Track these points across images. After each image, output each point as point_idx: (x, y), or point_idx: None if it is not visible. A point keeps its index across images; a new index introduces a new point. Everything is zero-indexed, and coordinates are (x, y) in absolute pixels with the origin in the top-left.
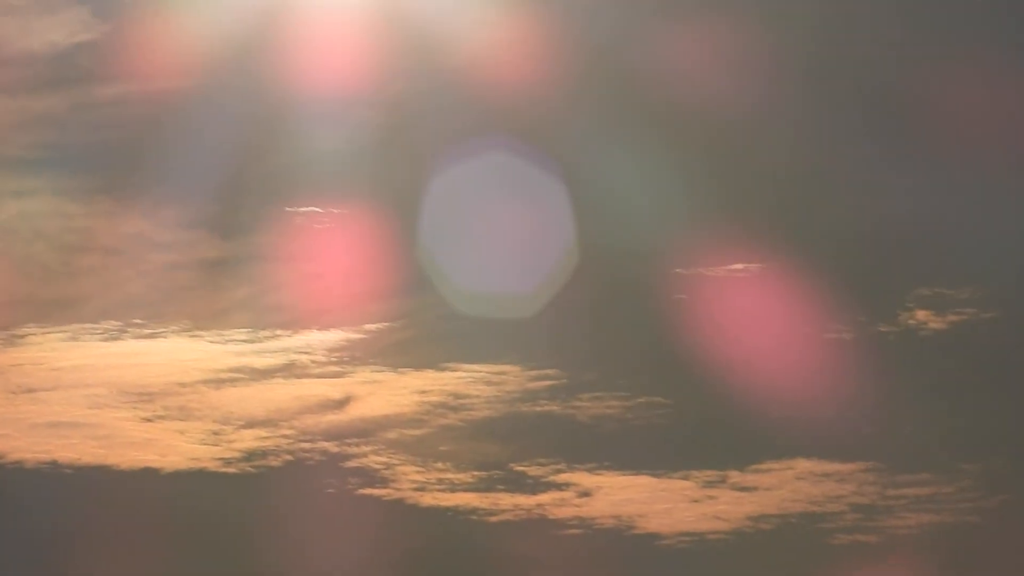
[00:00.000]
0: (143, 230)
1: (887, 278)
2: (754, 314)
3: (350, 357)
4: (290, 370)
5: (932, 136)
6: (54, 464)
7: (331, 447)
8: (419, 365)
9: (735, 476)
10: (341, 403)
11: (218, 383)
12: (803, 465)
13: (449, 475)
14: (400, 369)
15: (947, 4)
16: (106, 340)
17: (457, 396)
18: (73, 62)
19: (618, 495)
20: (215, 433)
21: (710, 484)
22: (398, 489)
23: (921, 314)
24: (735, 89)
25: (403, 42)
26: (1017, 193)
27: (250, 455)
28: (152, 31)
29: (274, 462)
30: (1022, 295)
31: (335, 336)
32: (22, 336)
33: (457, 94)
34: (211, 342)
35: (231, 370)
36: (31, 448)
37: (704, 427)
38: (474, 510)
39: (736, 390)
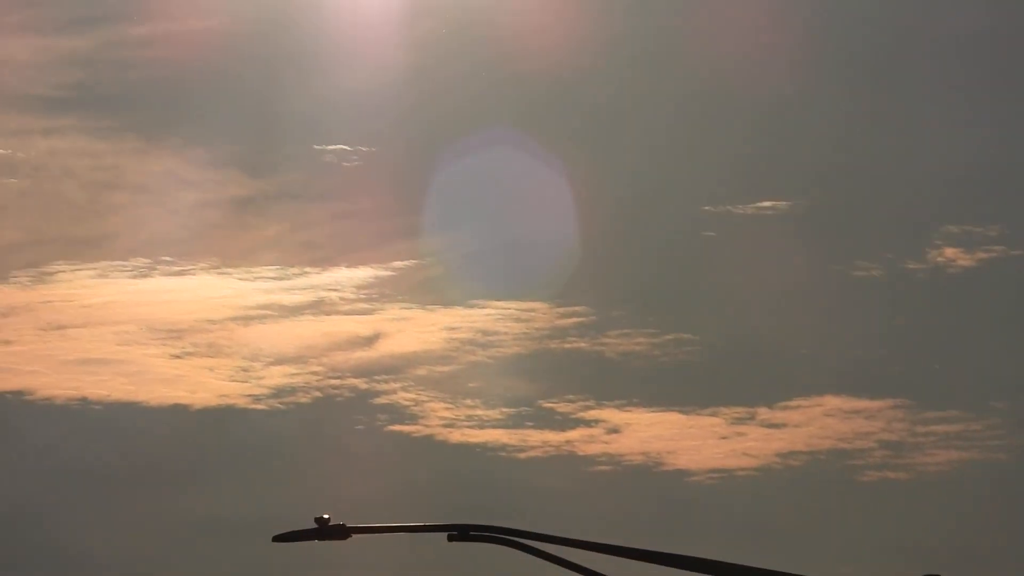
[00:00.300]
0: (172, 168)
1: (915, 216)
2: (782, 252)
3: (378, 294)
4: (319, 307)
5: (959, 73)
6: (84, 400)
7: (360, 384)
8: (447, 302)
9: (764, 413)
10: (370, 340)
11: (247, 320)
12: (832, 402)
13: (478, 412)
14: (428, 306)
15: None
16: (135, 277)
17: (485, 333)
18: (102, 2)
19: (647, 432)
20: (244, 370)
21: (739, 421)
22: (427, 426)
23: (949, 251)
24: (767, 39)
25: None
26: None
27: (279, 392)
28: None
29: (303, 399)
30: None
31: (363, 273)
32: (52, 273)
33: (486, 32)
34: (240, 279)
35: (260, 307)
36: (61, 384)
37: (732, 364)
38: (503, 447)
39: (764, 327)
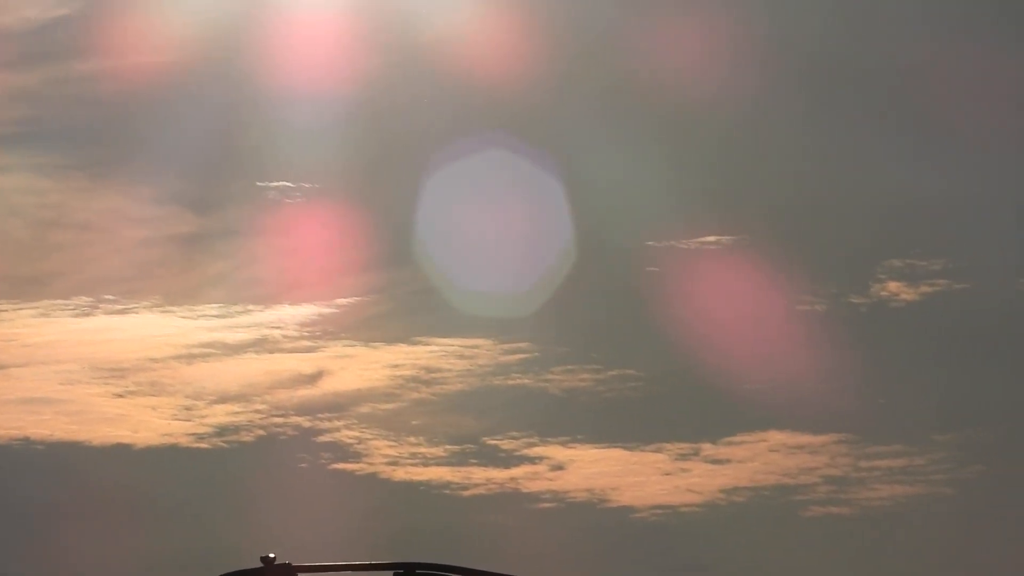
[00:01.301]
0: (117, 206)
1: (859, 250)
2: (726, 286)
3: (322, 332)
4: (262, 345)
5: (902, 108)
6: (26, 440)
7: (303, 422)
8: (391, 339)
9: (708, 448)
10: (313, 377)
11: (190, 358)
12: (776, 437)
13: (422, 449)
14: (372, 343)
15: None
16: (78, 316)
17: (429, 370)
18: (48, 37)
19: (591, 468)
20: (187, 408)
21: (683, 457)
22: (371, 463)
23: (893, 285)
24: (709, 71)
25: (377, 20)
26: (987, 164)
27: (222, 430)
28: (128, 6)
29: (246, 437)
30: (993, 266)
31: (307, 311)
32: None
33: (429, 72)
34: (183, 317)
35: (203, 345)
36: (3, 424)
37: (676, 400)
38: (447, 484)
39: (708, 363)
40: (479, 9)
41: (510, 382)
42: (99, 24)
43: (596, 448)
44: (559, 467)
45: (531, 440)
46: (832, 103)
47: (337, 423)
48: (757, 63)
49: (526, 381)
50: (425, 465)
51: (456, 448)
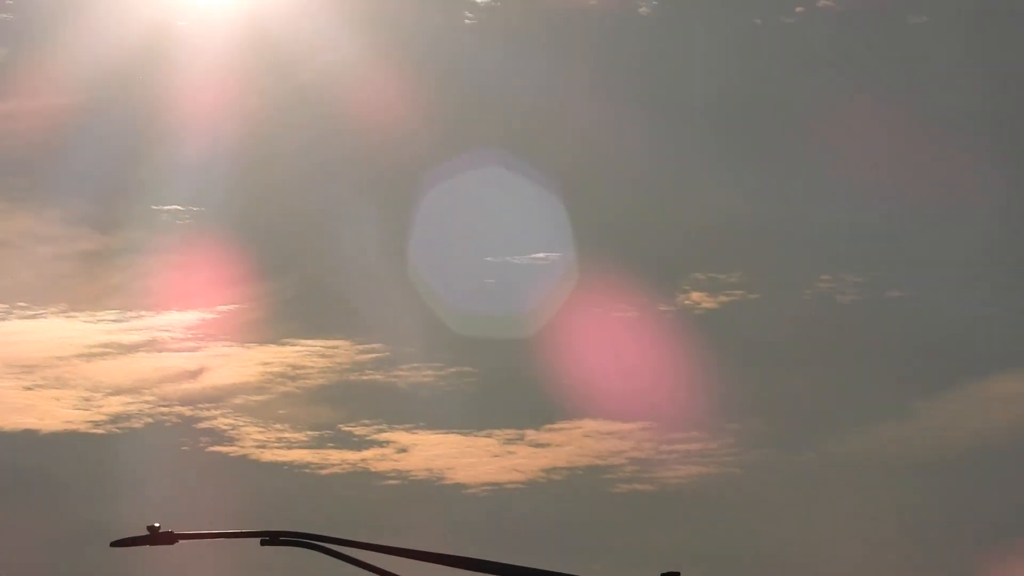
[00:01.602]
0: (30, 226)
1: (667, 264)
2: (552, 296)
3: (204, 334)
4: (152, 345)
5: (700, 137)
6: None
7: (185, 411)
8: (263, 341)
9: (531, 434)
10: (195, 373)
11: (90, 356)
12: (589, 425)
13: (286, 434)
14: (247, 344)
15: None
16: None
17: (295, 367)
18: None
19: (430, 451)
20: (86, 399)
21: (509, 441)
22: (243, 447)
23: (695, 295)
24: (549, 105)
25: (260, 65)
26: (781, 188)
27: (116, 418)
28: (40, 54)
29: (136, 424)
30: (782, 279)
31: (192, 316)
32: None
33: (305, 109)
34: (85, 322)
35: (102, 345)
36: None
37: (505, 393)
38: (307, 464)
39: (532, 361)
40: (354, 53)
41: (364, 377)
42: (15, 69)
43: (435, 434)
44: (403, 450)
45: (380, 427)
46: (654, 133)
47: (215, 412)
48: (589, 93)
49: (378, 377)
50: (289, 448)
51: (316, 434)
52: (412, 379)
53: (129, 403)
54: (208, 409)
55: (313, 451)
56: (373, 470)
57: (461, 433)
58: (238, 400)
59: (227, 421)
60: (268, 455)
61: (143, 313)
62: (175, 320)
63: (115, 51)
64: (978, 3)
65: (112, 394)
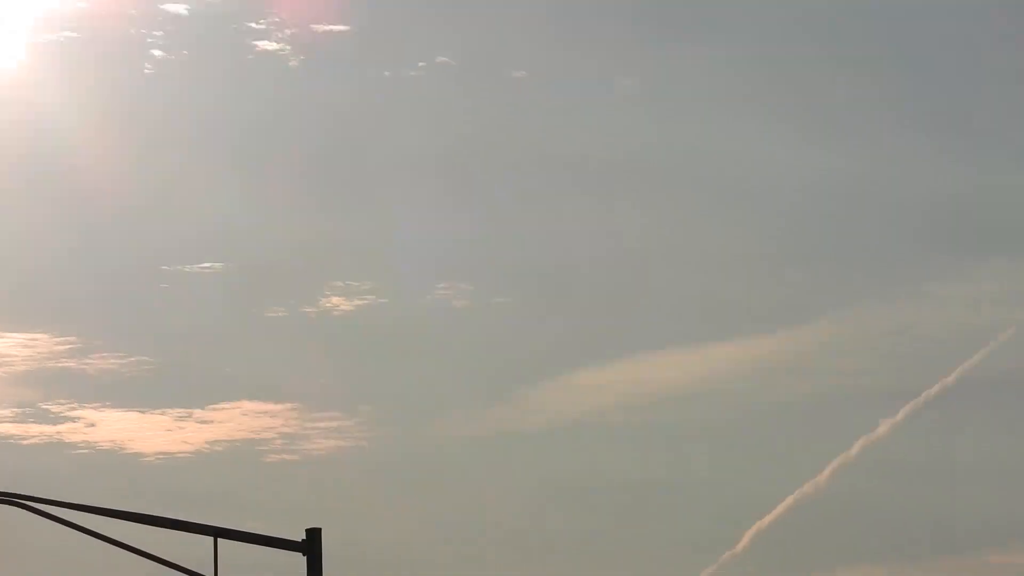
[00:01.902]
0: None
1: (304, 274)
2: (216, 300)
3: None
4: None
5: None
6: None
7: None
8: None
9: (198, 412)
10: None
11: None
12: (247, 405)
13: None
14: None
15: None
16: None
17: (2, 356)
18: None
19: (114, 426)
20: None
21: (180, 418)
22: None
23: (335, 299)
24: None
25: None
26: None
27: None
28: None
29: None
30: (406, 286)
31: None
32: None
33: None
34: None
35: None
36: None
37: (177, 377)
38: (11, 436)
39: (202, 349)
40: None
41: (60, 364)
42: None
43: (119, 411)
44: (92, 425)
45: (72, 405)
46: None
47: None
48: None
49: (71, 364)
50: None
51: (19, 410)
52: (100, 366)
53: None
54: None
55: (16, 424)
56: (66, 441)
57: (140, 411)
58: None
59: None
60: None
61: None
62: None
63: None
64: None
65: None
